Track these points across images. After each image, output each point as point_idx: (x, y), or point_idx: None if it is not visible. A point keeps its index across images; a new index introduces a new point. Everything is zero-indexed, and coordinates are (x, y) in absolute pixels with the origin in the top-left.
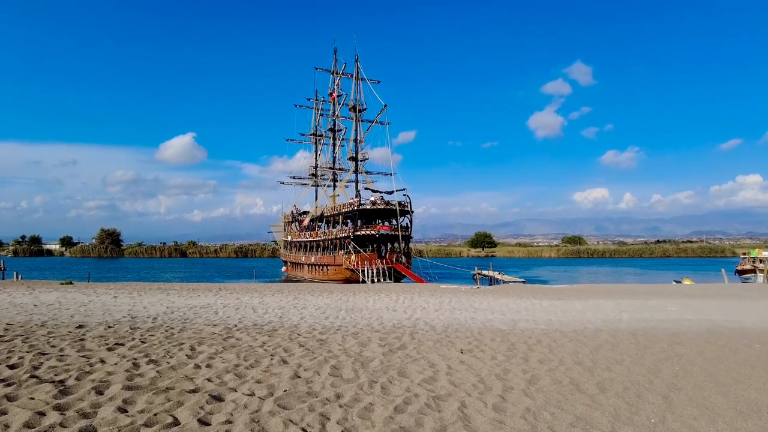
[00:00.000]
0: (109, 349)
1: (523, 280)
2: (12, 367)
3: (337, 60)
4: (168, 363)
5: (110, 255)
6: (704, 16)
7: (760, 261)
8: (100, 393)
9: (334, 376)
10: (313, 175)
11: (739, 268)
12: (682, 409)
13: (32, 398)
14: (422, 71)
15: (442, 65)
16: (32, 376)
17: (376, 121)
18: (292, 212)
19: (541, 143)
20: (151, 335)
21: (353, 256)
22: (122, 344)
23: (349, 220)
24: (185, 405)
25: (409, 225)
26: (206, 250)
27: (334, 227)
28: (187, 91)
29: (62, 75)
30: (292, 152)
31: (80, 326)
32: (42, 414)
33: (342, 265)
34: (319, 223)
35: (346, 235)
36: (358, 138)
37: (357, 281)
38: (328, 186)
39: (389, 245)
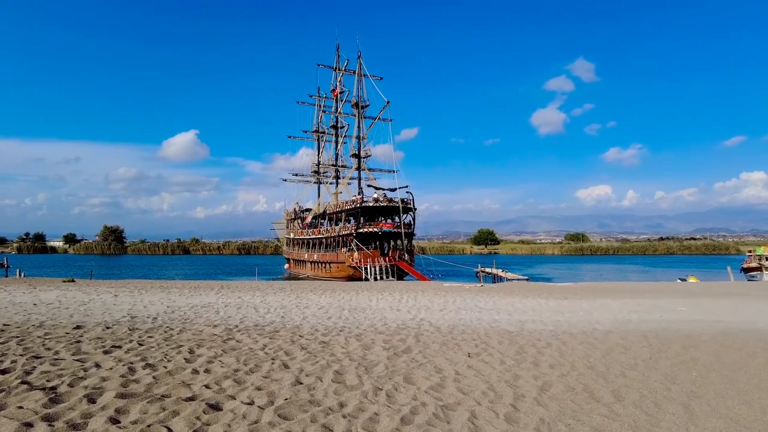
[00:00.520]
0: (106, 352)
1: (526, 277)
2: (3, 371)
3: (339, 56)
4: (165, 368)
5: (113, 252)
6: (708, 13)
7: (766, 259)
8: (92, 401)
9: (338, 383)
10: (315, 172)
11: (745, 265)
12: (705, 421)
13: (21, 407)
14: (424, 68)
15: (444, 62)
16: (23, 382)
17: (379, 118)
18: (294, 209)
19: (543, 140)
20: (150, 337)
21: (356, 254)
22: (119, 347)
23: (351, 218)
24: (181, 415)
25: (412, 222)
26: (209, 247)
27: (336, 224)
28: (189, 89)
29: (65, 72)
30: (294, 149)
31: (78, 327)
32: (30, 425)
33: (345, 262)
34: (322, 221)
35: (348, 232)
36: (361, 135)
37: (360, 279)
38: (331, 183)
39: (392, 242)
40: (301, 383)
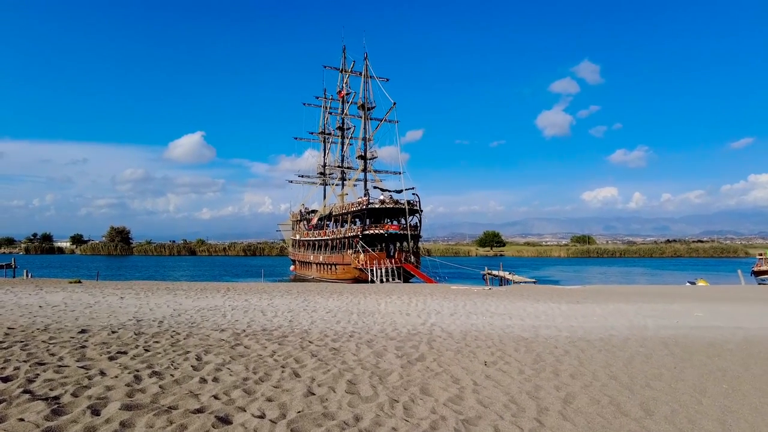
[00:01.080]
0: (111, 359)
1: (534, 280)
2: (6, 379)
3: (345, 58)
4: (172, 376)
5: (120, 253)
6: (714, 13)
7: None
8: (96, 413)
9: (351, 393)
10: (321, 173)
11: (756, 269)
12: None
13: (22, 419)
14: (429, 70)
15: (450, 64)
16: (26, 391)
17: (385, 120)
18: (300, 211)
19: (549, 142)
20: (156, 342)
21: (362, 256)
22: (125, 352)
23: (357, 219)
24: (189, 429)
25: (418, 224)
26: (215, 248)
27: (342, 226)
28: (196, 90)
29: (73, 75)
30: (300, 151)
31: (83, 331)
32: None
33: (351, 264)
34: (328, 222)
35: (354, 234)
36: (367, 136)
37: (365, 281)
38: (337, 185)
39: (398, 244)
40: (314, 394)
